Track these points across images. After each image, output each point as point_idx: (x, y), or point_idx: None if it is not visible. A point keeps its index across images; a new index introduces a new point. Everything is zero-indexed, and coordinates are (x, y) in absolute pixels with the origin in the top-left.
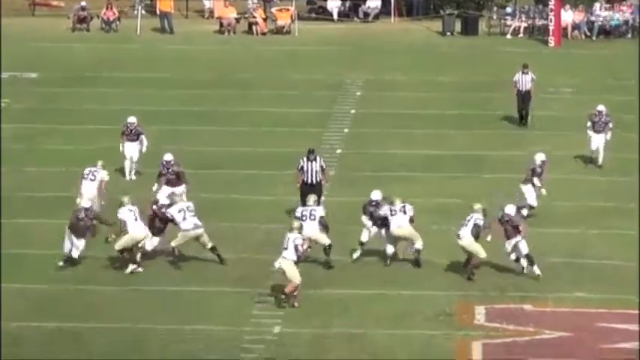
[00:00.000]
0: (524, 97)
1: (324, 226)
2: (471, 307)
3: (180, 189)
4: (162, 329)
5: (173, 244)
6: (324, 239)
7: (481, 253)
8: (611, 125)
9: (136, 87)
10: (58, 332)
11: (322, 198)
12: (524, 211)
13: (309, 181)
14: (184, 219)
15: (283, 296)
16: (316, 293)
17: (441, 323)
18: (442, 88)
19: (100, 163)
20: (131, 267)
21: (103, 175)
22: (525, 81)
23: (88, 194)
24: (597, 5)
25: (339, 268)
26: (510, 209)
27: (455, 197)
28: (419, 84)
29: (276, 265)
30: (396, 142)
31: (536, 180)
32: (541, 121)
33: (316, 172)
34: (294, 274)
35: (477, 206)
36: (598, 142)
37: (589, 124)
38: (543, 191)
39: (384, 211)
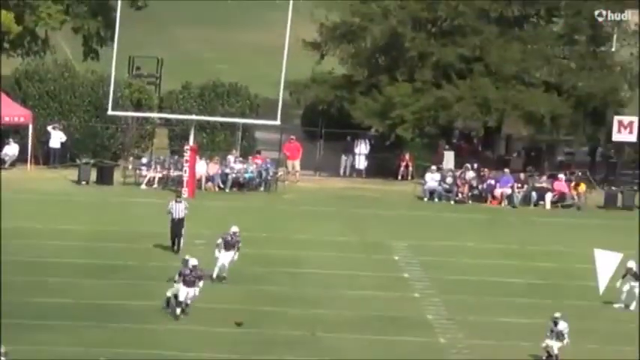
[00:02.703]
0: (177, 225)
1: None
2: None
3: None
4: None
5: None
6: None
7: None
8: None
9: None
10: None
11: None
12: None
13: None
14: None
15: None
16: None
17: None
18: (75, 237)
19: None
20: None
21: None
22: (179, 209)
23: None
24: (231, 158)
25: None
26: None
27: (91, 346)
28: (53, 232)
29: None
30: (30, 290)
31: None
32: (164, 271)
33: None
34: None
35: None
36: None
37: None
38: None
39: None
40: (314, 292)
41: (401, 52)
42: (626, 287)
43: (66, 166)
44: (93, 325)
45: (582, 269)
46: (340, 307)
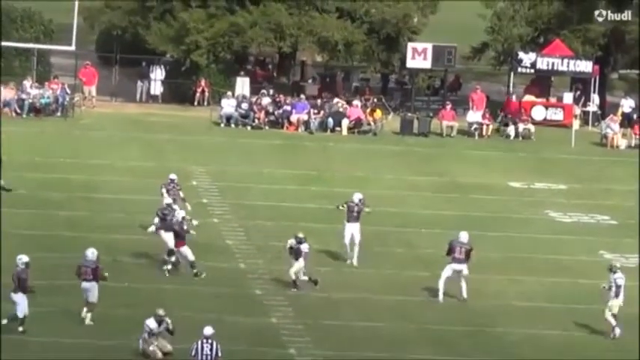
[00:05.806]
0: None
1: None
2: None
3: None
4: None
5: None
6: None
7: None
8: None
9: None
10: None
11: None
12: None
13: None
14: None
15: None
16: None
17: None
18: None
19: None
20: None
21: None
22: None
23: None
24: (27, 83)
25: None
26: None
27: None
28: None
29: None
30: None
31: None
32: None
33: None
34: None
35: None
36: None
37: None
38: None
39: None
40: (113, 217)
41: None
42: None
43: None
44: None
45: (379, 195)
46: (138, 232)
